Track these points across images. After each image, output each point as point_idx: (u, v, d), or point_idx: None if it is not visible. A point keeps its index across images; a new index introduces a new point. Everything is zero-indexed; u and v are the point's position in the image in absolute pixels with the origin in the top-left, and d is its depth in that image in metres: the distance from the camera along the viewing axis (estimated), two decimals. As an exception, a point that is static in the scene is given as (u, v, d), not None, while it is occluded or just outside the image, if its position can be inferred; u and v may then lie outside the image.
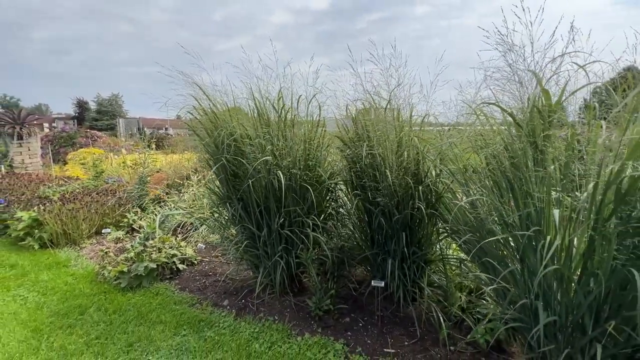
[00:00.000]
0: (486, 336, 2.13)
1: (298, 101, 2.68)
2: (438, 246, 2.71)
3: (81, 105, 33.43)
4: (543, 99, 1.55)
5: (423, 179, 2.44)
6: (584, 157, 1.46)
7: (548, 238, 1.35)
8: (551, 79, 1.55)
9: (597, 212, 1.28)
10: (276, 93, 2.67)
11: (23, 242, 4.28)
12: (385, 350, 2.30)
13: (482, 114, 1.86)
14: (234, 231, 3.17)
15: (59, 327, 2.60)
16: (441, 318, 2.33)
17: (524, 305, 1.76)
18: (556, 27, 1.56)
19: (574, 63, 1.52)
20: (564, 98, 1.52)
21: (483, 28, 1.72)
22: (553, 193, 1.47)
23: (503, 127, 1.78)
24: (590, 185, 1.26)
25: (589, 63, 1.48)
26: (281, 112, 2.67)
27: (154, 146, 10.41)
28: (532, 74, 1.57)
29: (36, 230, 4.34)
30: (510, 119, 1.72)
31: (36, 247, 4.26)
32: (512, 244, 1.80)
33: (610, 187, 1.23)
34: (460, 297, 2.51)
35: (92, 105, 33.23)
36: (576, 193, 1.33)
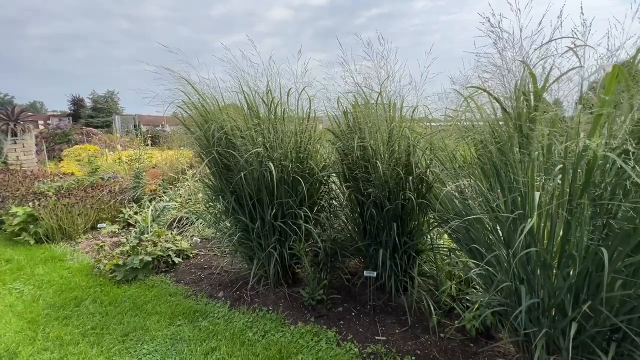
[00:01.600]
0: (474, 322, 2.18)
1: (288, 94, 2.71)
2: (429, 236, 2.76)
3: (76, 103, 33.15)
4: (531, 84, 1.59)
5: (414, 170, 2.48)
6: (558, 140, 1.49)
7: (529, 220, 1.39)
8: (537, 65, 1.59)
9: (570, 194, 1.32)
10: (264, 87, 2.69)
11: (18, 237, 4.29)
12: (376, 337, 2.35)
13: (471, 101, 1.90)
14: (228, 224, 3.20)
15: (55, 319, 2.63)
16: (431, 306, 2.38)
17: (510, 291, 1.81)
18: (543, 15, 1.60)
19: (575, 43, 1.53)
20: (549, 83, 1.55)
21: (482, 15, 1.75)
22: (537, 177, 1.51)
23: (489, 113, 1.82)
24: (558, 167, 1.30)
25: (568, 49, 1.51)
26: (270, 105, 2.69)
27: (149, 142, 10.39)
28: (520, 62, 1.61)
29: (31, 226, 4.35)
30: (497, 104, 1.76)
31: (32, 242, 4.27)
32: (498, 229, 1.84)
33: (578, 167, 1.27)
34: (451, 285, 2.56)
35: (88, 103, 32.99)
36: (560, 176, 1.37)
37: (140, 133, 12.08)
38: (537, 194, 1.38)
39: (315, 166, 2.83)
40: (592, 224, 1.33)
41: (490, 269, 1.86)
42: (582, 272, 1.41)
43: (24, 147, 9.32)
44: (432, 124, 2.62)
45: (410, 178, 2.47)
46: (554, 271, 1.58)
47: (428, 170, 2.50)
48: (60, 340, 2.37)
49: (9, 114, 9.31)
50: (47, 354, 2.24)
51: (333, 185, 3.10)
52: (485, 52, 1.79)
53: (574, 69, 1.57)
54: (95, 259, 3.63)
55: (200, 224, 4.39)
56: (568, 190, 1.36)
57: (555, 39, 1.59)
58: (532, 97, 1.63)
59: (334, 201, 3.12)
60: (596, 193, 1.29)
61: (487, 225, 1.91)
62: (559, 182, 1.37)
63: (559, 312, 1.63)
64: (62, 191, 5.09)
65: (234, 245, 3.04)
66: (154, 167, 6.89)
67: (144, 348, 2.27)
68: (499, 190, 1.79)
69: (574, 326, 1.34)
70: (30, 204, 4.45)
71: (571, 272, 1.47)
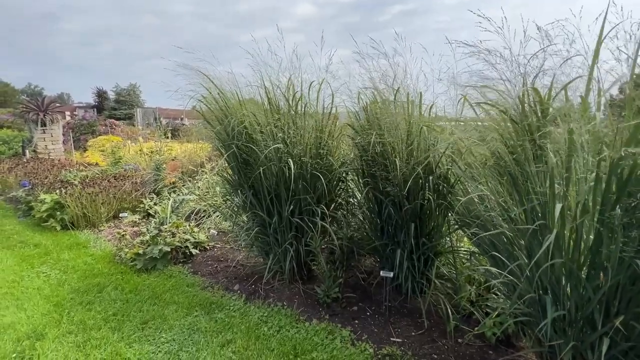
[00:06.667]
0: (494, 329, 2.12)
1: (309, 89, 2.68)
2: (448, 238, 2.69)
3: (101, 95, 34.31)
4: (533, 95, 1.53)
5: (434, 170, 2.42)
6: (585, 148, 1.42)
7: (555, 232, 1.32)
8: (538, 77, 1.53)
9: (602, 204, 1.25)
10: (286, 81, 2.68)
11: (46, 223, 4.49)
12: (391, 339, 2.32)
13: (481, 109, 1.84)
14: (245, 218, 3.23)
15: (79, 303, 2.74)
16: (449, 310, 2.32)
17: (533, 300, 1.74)
18: (527, 25, 1.55)
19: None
20: (554, 93, 1.49)
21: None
22: (557, 187, 1.44)
23: (496, 122, 1.76)
24: (592, 176, 1.23)
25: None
26: (291, 100, 2.67)
27: (169, 135, 10.62)
28: (518, 71, 1.56)
29: (58, 212, 4.53)
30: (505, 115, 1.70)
31: (58, 228, 4.46)
32: (520, 239, 1.77)
33: (612, 177, 1.19)
34: (470, 290, 2.49)
35: (111, 95, 34.07)
36: (583, 185, 1.30)
37: (160, 126, 12.36)
38: (558, 206, 1.31)
39: (334, 162, 2.80)
40: (625, 235, 1.25)
41: (512, 278, 1.79)
42: (614, 285, 1.34)
43: (52, 136, 9.72)
44: (450, 123, 2.54)
45: (431, 178, 2.41)
46: (582, 282, 1.50)
47: (449, 171, 2.43)
48: (84, 324, 2.47)
49: (39, 105, 9.72)
50: (71, 337, 2.33)
51: (350, 183, 3.07)
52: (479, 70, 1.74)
53: (579, 77, 1.49)
54: (116, 247, 3.75)
55: (218, 217, 4.45)
56: (600, 199, 1.29)
57: (546, 50, 1.53)
58: (538, 108, 1.56)
59: (351, 199, 3.09)
60: (632, 204, 1.21)
61: (508, 235, 1.83)
62: (589, 193, 1.30)
63: (587, 324, 1.55)
64: (87, 180, 5.28)
65: (250, 240, 3.06)
66: (173, 160, 7.04)
67: (162, 336, 2.32)
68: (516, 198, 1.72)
69: (606, 342, 1.26)
70: (57, 191, 4.64)
71: (601, 284, 1.39)
